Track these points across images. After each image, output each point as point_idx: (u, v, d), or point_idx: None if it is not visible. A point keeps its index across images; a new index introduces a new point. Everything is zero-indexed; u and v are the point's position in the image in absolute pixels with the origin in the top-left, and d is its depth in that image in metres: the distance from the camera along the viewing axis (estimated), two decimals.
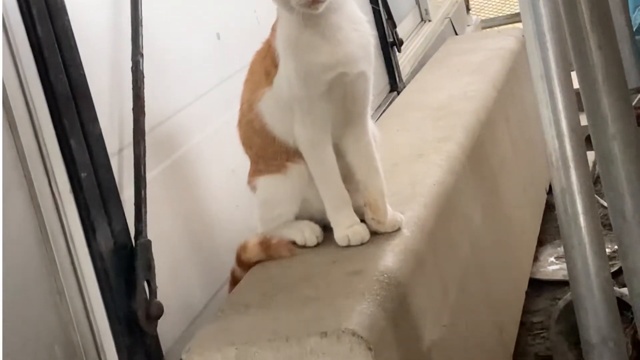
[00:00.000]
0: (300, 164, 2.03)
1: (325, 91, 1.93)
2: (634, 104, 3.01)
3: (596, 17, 1.82)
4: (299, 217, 2.10)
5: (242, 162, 2.16)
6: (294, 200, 2.08)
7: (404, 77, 4.07)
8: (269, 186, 2.08)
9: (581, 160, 1.86)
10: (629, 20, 2.99)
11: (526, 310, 2.90)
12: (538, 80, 1.87)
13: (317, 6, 1.85)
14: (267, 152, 2.06)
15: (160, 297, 1.93)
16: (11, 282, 1.65)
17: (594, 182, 1.96)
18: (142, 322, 1.87)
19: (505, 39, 3.91)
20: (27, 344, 1.66)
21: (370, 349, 1.64)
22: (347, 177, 2.05)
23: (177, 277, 2.11)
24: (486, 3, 6.89)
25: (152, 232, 1.95)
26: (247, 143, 2.12)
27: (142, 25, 2.05)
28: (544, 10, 1.83)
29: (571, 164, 1.87)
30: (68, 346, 1.80)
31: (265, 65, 2.01)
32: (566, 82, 1.85)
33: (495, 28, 6.51)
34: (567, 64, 1.85)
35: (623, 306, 2.06)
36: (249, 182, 2.13)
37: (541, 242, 3.34)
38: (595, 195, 1.96)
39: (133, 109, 1.99)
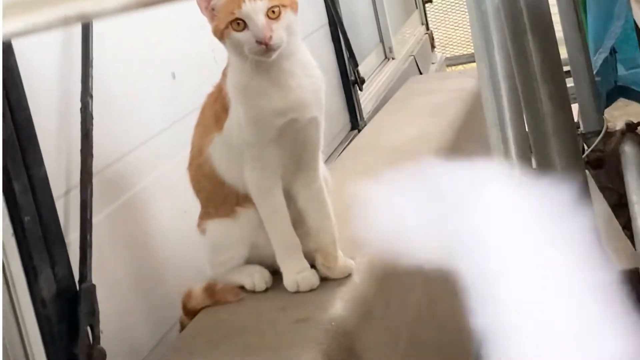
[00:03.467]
0: (250, 209, 2.01)
1: (276, 137, 1.92)
2: (593, 146, 3.00)
3: (548, 67, 1.82)
4: (248, 262, 2.08)
5: (194, 204, 2.13)
6: (243, 245, 2.05)
7: (366, 115, 4.05)
8: (218, 230, 2.06)
9: None
10: (589, 62, 2.97)
11: None
12: (492, 127, 1.86)
13: (270, 54, 1.84)
14: (217, 196, 2.04)
15: (105, 342, 1.89)
16: None
17: None
18: None
19: (466, 80, 3.91)
20: None
21: None
22: (298, 221, 2.03)
23: (123, 322, 2.08)
24: (451, 40, 6.91)
25: (99, 276, 1.91)
26: (197, 187, 2.10)
27: (92, 66, 2.01)
28: (498, 58, 1.82)
29: None
30: None
31: (216, 109, 2.00)
32: (520, 130, 1.84)
33: (460, 67, 6.53)
34: (521, 112, 1.85)
35: None
36: (199, 225, 2.11)
37: None
38: None
39: (81, 151, 1.96)
